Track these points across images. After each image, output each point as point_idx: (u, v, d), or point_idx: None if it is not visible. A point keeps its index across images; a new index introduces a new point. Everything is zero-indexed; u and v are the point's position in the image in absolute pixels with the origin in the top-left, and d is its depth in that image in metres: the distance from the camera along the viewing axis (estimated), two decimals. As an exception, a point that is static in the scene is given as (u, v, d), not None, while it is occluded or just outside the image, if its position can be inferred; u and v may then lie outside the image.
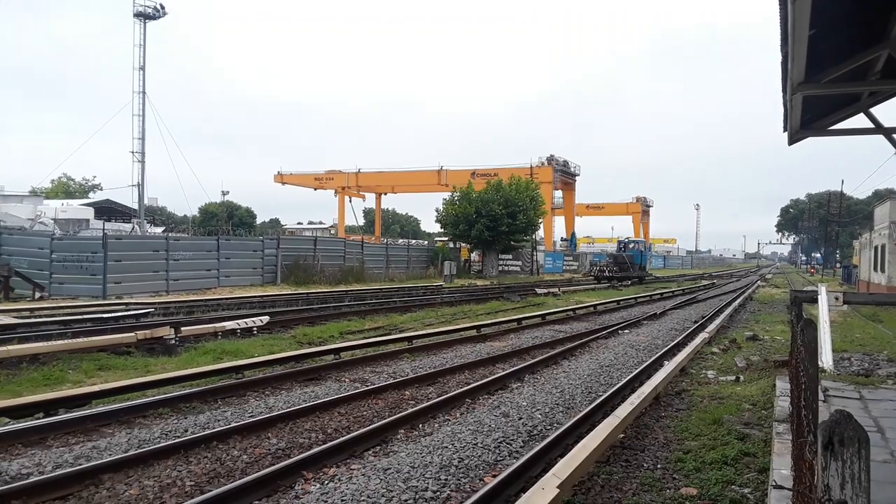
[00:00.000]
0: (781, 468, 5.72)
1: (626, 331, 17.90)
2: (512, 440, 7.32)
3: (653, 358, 12.69)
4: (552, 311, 22.00)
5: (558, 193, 71.69)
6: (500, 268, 53.41)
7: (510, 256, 54.96)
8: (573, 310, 22.73)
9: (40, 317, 17.18)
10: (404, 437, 7.42)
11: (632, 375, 10.69)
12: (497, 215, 45.66)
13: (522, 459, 6.20)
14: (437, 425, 7.92)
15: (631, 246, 50.87)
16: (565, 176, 70.53)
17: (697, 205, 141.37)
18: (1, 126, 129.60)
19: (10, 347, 11.18)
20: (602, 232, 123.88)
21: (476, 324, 17.51)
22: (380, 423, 7.52)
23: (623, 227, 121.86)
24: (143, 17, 42.87)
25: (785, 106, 9.42)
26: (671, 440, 7.54)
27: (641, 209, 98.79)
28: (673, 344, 14.76)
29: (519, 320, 18.81)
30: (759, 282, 52.22)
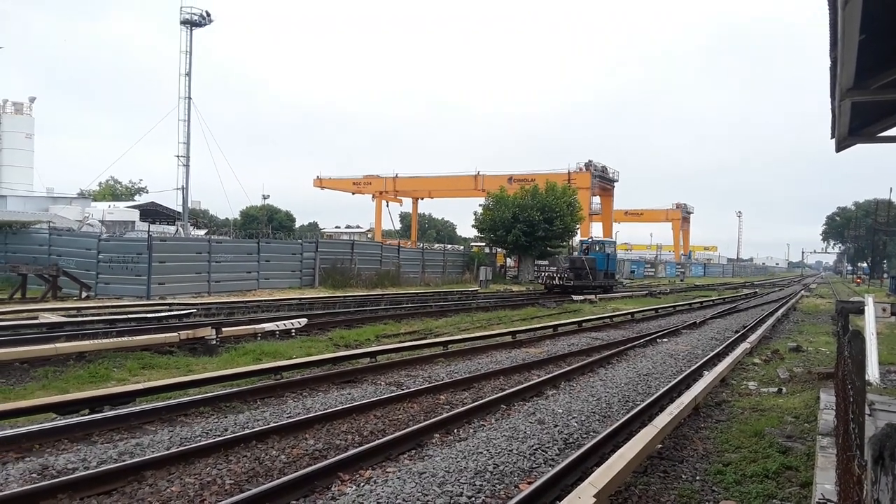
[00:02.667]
0: (825, 483, 5.58)
1: (665, 339, 17.63)
2: (547, 447, 7.28)
3: (692, 367, 12.49)
4: (588, 318, 21.80)
5: (596, 199, 71.01)
6: (537, 273, 53.02)
7: (547, 262, 54.59)
8: (610, 317, 22.48)
9: (87, 316, 17.68)
10: (439, 441, 7.43)
11: (670, 385, 10.53)
12: (534, 220, 45.44)
13: (558, 467, 6.16)
14: (472, 430, 7.92)
15: (597, 248, 41.08)
16: (603, 182, 69.88)
17: (739, 212, 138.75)
18: (53, 129, 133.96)
19: (57, 345, 11.53)
20: (641, 239, 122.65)
21: (511, 329, 17.45)
22: (415, 427, 7.56)
23: (663, 235, 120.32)
24: (190, 24, 43.85)
25: (833, 112, 9.20)
26: (711, 452, 7.41)
27: (681, 216, 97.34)
28: (713, 354, 14.49)
29: (554, 327, 18.69)
30: (802, 292, 50.90)
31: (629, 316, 23.64)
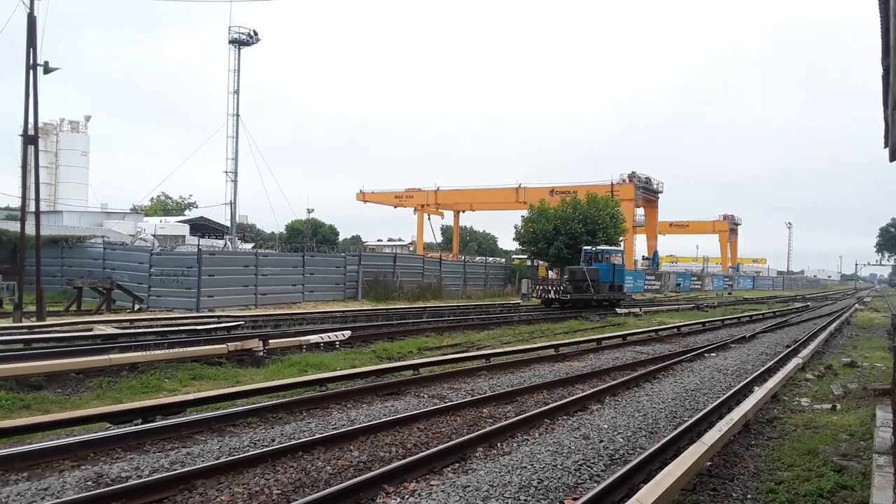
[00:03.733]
0: (883, 502, 5.38)
1: (713, 354, 17.25)
2: (593, 463, 7.20)
3: (742, 383, 12.19)
4: (633, 331, 21.48)
5: (640, 211, 70.07)
6: (579, 286, 52.48)
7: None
8: (655, 331, 22.11)
9: (139, 328, 18.21)
10: (483, 455, 7.42)
11: (719, 401, 10.30)
12: (576, 233, 45.04)
13: (604, 483, 6.09)
14: (515, 444, 7.88)
15: (601, 257, 36.06)
16: (647, 193, 68.95)
17: (789, 223, 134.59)
18: (107, 146, 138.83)
19: (111, 356, 11.91)
20: (687, 251, 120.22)
21: (554, 343, 17.31)
22: (459, 440, 7.56)
23: (709, 246, 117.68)
24: (238, 43, 45.08)
25: (886, 121, 8.95)
26: (762, 470, 7.22)
27: (728, 227, 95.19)
28: (763, 369, 14.11)
29: (598, 340, 18.47)
30: (856, 305, 49.18)
31: (675, 330, 23.20)
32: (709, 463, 7.20)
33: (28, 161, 21.81)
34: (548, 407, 9.60)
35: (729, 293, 71.70)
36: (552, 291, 33.24)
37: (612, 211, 48.08)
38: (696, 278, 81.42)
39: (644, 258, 75.34)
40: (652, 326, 23.72)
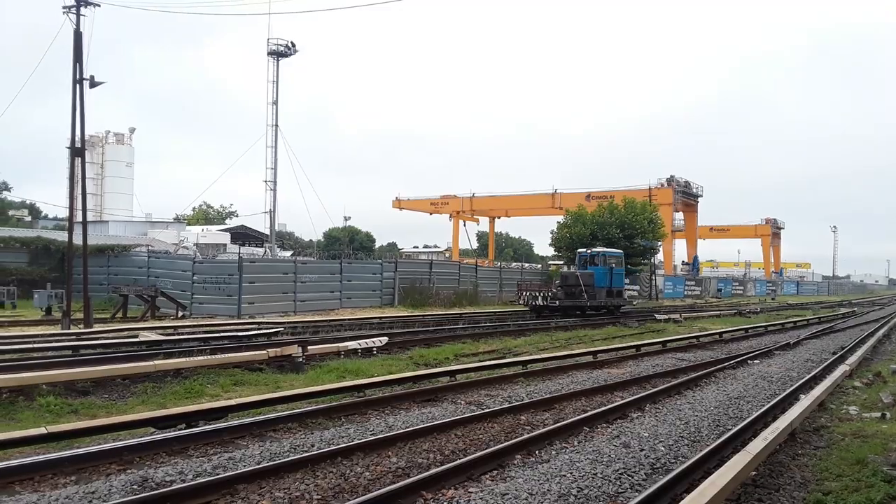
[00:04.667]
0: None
1: (756, 361, 16.86)
2: (633, 472, 7.09)
3: (787, 391, 11.89)
4: (673, 338, 21.13)
5: (679, 215, 69.05)
6: (617, 292, 51.88)
7: (627, 281, 53.35)
8: (696, 337, 21.72)
9: (182, 334, 18.58)
10: (521, 462, 7.37)
11: (764, 409, 10.06)
12: (613, 238, 44.57)
13: (646, 493, 5.99)
14: (554, 452, 7.82)
15: (598, 260, 32.89)
16: (686, 197, 67.93)
17: (834, 227, 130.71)
18: (151, 157, 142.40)
19: (156, 362, 12.20)
20: (728, 255, 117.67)
21: (592, 349, 17.14)
22: (496, 448, 7.54)
23: (751, 251, 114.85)
24: (276, 55, 45.86)
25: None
26: (809, 480, 7.03)
27: (771, 231, 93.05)
28: (809, 376, 13.75)
29: (637, 347, 18.22)
30: (908, 310, 47.56)
31: (717, 336, 22.75)
32: (753, 472, 7.04)
33: (75, 173, 22.50)
34: (587, 414, 9.51)
35: (772, 298, 70.04)
36: (540, 297, 30.09)
37: (650, 215, 47.49)
38: (737, 283, 79.80)
39: (684, 263, 74.21)
40: (693, 333, 23.29)
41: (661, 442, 8.37)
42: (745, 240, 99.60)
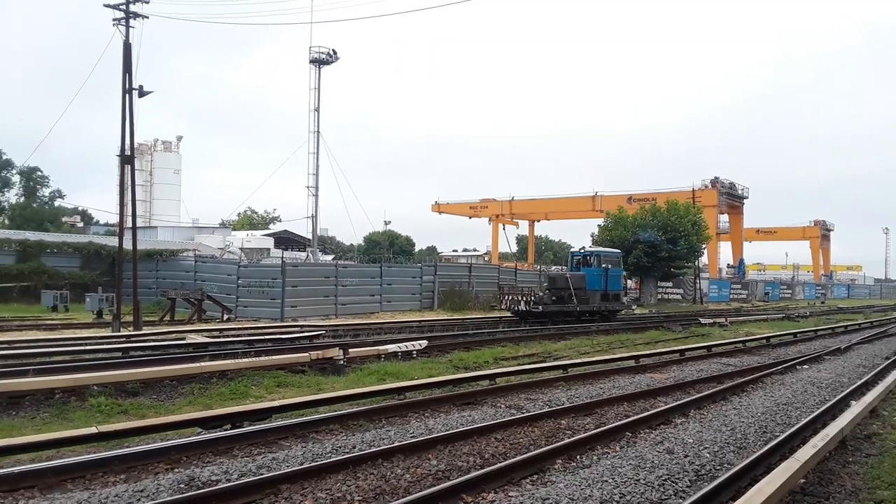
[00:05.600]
0: None
1: (805, 366, 16.40)
2: (677, 478, 6.97)
3: (837, 397, 11.53)
4: (718, 342, 20.71)
5: (724, 218, 67.64)
6: (660, 296, 51.21)
7: (670, 284, 52.53)
8: (743, 342, 21.23)
9: (228, 337, 18.99)
10: (562, 467, 7.32)
11: (813, 415, 9.78)
12: (656, 241, 43.95)
13: (690, 500, 5.89)
14: (595, 457, 7.73)
15: (592, 260, 30.17)
16: (731, 199, 66.50)
17: (886, 228, 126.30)
18: (198, 164, 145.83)
19: (202, 364, 12.48)
20: (775, 258, 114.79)
21: (634, 354, 16.91)
22: (537, 452, 7.49)
23: (799, 254, 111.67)
24: (318, 62, 46.61)
25: None
26: (860, 488, 6.81)
27: (820, 233, 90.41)
28: (861, 382, 13.31)
29: (681, 351, 17.90)
30: (968, 315, 45.64)
31: (764, 340, 22.20)
32: (802, 480, 6.85)
33: (125, 180, 23.21)
34: (629, 419, 9.38)
35: (822, 302, 68.08)
36: (523, 302, 27.22)
37: (693, 218, 46.69)
38: (785, 287, 77.78)
39: (729, 266, 72.68)
40: (739, 337, 22.78)
41: (706, 448, 8.21)
42: (793, 242, 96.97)
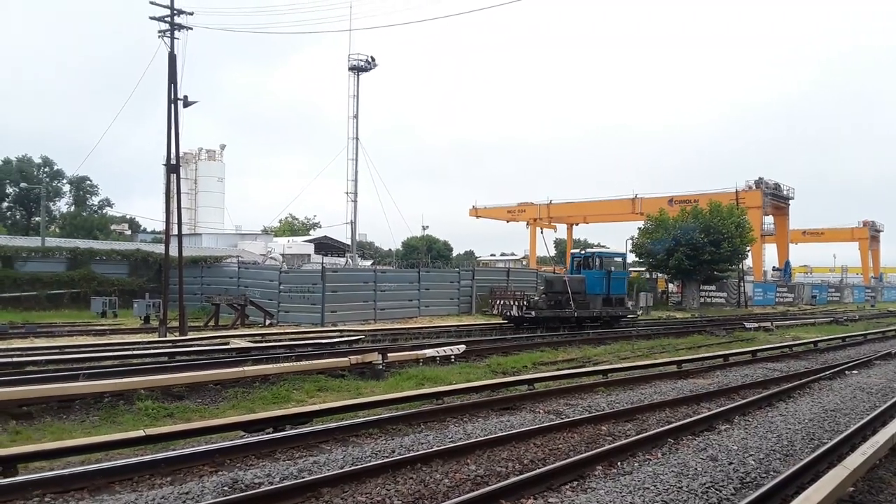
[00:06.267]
0: None
1: (855, 371, 15.91)
2: (721, 486, 6.84)
3: (888, 403, 11.17)
4: (764, 347, 20.23)
5: (769, 219, 66.03)
6: (702, 299, 50.25)
7: (713, 287, 51.49)
8: (789, 346, 20.70)
9: (270, 341, 19.30)
10: (602, 473, 7.25)
11: (863, 422, 9.50)
12: (698, 243, 43.14)
13: (733, 507, 5.77)
14: (636, 464, 7.64)
15: (594, 262, 28.61)
16: (776, 200, 64.87)
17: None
18: (240, 171, 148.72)
19: (245, 368, 12.71)
20: (822, 260, 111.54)
21: (676, 359, 16.64)
22: (577, 458, 7.44)
23: (848, 255, 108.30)
24: (357, 70, 47.12)
25: None
26: (915, 499, 6.57)
27: (869, 234, 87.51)
28: (915, 388, 12.86)
29: (725, 356, 17.54)
30: None
31: (812, 345, 21.61)
32: (851, 489, 6.65)
33: (170, 188, 23.80)
34: (671, 426, 9.24)
35: (871, 305, 65.93)
36: (515, 307, 25.53)
37: (737, 219, 45.71)
38: (833, 290, 75.51)
39: (774, 269, 70.93)
40: (785, 342, 22.22)
41: (751, 455, 8.04)
42: (842, 243, 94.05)
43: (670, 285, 52.22)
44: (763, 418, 10.35)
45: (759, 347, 19.94)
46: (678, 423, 9.38)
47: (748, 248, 49.97)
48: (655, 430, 8.95)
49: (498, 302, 26.73)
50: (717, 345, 22.06)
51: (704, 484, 6.85)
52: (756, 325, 29.52)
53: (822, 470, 6.96)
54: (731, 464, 7.64)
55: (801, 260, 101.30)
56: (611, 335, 23.88)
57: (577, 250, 29.62)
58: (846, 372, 15.71)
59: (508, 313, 25.85)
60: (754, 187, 61.20)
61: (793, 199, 68.02)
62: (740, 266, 51.59)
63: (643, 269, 50.31)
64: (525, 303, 25.44)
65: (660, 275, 50.30)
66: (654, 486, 6.74)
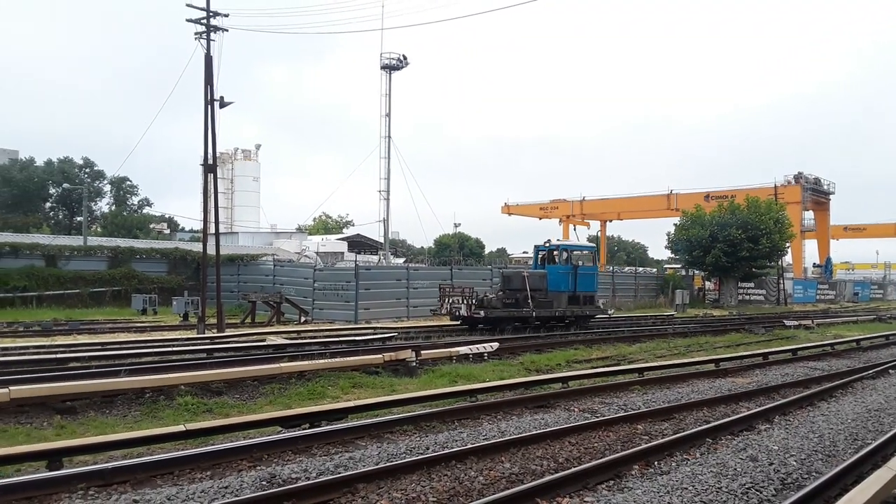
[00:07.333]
0: None
1: (901, 371, 15.46)
2: (762, 487, 6.71)
3: (937, 404, 10.83)
4: (805, 345, 19.79)
5: (809, 214, 64.54)
6: (740, 297, 49.36)
7: (751, 284, 50.55)
8: (831, 345, 20.22)
9: (305, 338, 19.52)
10: (639, 473, 7.16)
11: (910, 423, 9.22)
12: (736, 240, 42.37)
13: (774, 508, 5.66)
14: (674, 464, 7.54)
15: (558, 255, 25.84)
16: (816, 195, 63.36)
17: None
18: (276, 171, 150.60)
19: (281, 365, 12.88)
20: (865, 257, 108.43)
21: (714, 357, 16.38)
22: (613, 457, 7.37)
23: (891, 252, 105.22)
24: (389, 68, 47.36)
25: None
26: (966, 504, 6.36)
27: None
28: (965, 389, 12.44)
29: (765, 355, 17.20)
30: None
31: (854, 343, 21.08)
32: (898, 492, 6.47)
33: (208, 188, 24.21)
34: (709, 425, 9.09)
35: (919, 303, 63.94)
36: (463, 307, 22.60)
37: (776, 215, 44.80)
38: (876, 287, 73.62)
39: (815, 265, 69.34)
40: (826, 340, 21.70)
41: (792, 456, 7.87)
42: (885, 239, 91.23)
43: (707, 283, 51.40)
44: (804, 418, 10.12)
45: (800, 346, 19.52)
46: (717, 423, 9.23)
47: (787, 245, 49.02)
48: (693, 430, 8.82)
49: (446, 300, 23.21)
50: (755, 343, 21.66)
51: (744, 484, 6.73)
52: (796, 322, 28.90)
53: (866, 471, 6.79)
54: (771, 464, 7.49)
55: (842, 256, 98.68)
56: (646, 333, 23.60)
57: (543, 244, 26.36)
58: (890, 371, 15.27)
59: (458, 313, 22.93)
60: (793, 182, 59.91)
61: (833, 193, 66.44)
62: (779, 263, 50.55)
63: (679, 265, 49.59)
64: (473, 301, 22.68)
65: (696, 272, 49.56)
66: (693, 486, 6.64)
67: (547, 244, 26.11)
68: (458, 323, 23.45)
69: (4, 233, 40.36)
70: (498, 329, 22.35)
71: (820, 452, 8.10)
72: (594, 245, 30.86)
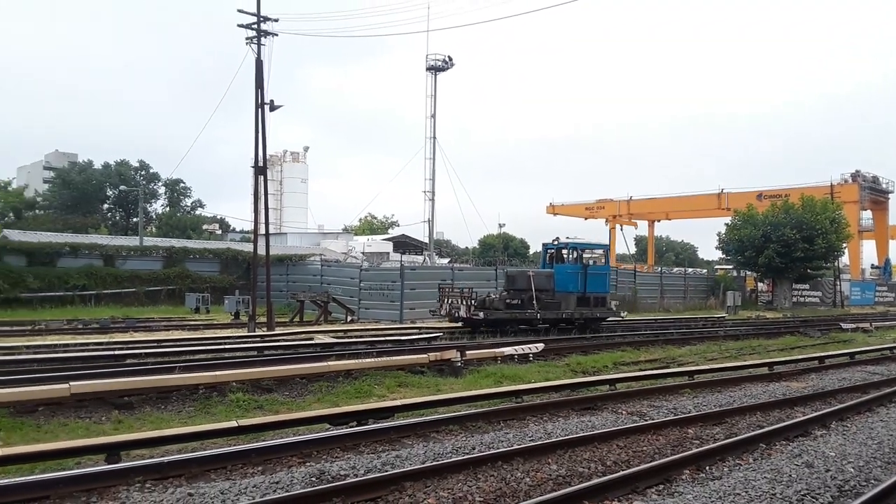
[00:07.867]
0: None
1: (968, 377, 14.78)
2: (818, 494, 6.52)
3: None
4: (863, 349, 19.10)
5: (866, 214, 62.23)
6: (795, 299, 47.91)
7: (806, 286, 49.03)
8: (890, 349, 19.46)
9: (351, 337, 19.77)
10: (689, 478, 7.04)
11: (978, 432, 8.82)
12: (790, 240, 41.14)
13: (832, 517, 5.50)
14: (726, 469, 7.37)
15: (567, 254, 24.31)
16: (875, 194, 61.02)
17: None
18: (323, 172, 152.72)
19: (329, 363, 13.07)
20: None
21: (767, 360, 15.95)
22: (663, 461, 7.26)
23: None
24: (434, 70, 47.57)
25: None
26: None
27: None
28: None
29: (821, 358, 16.67)
30: None
31: (917, 348, 20.24)
32: (966, 504, 6.20)
33: (258, 190, 24.73)
34: (763, 430, 8.87)
35: None
36: (463, 308, 21.62)
37: (832, 215, 43.33)
38: (942, 289, 70.27)
39: (873, 267, 66.83)
40: (885, 343, 20.90)
41: (849, 462, 7.62)
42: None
43: (760, 284, 50.07)
44: (862, 424, 9.79)
45: (858, 349, 18.84)
46: (771, 428, 9.00)
47: (844, 245, 47.39)
48: (746, 435, 8.62)
49: (445, 301, 22.43)
50: (811, 346, 21.01)
51: (799, 491, 6.55)
52: (854, 325, 27.92)
53: (932, 481, 6.52)
54: (828, 471, 7.27)
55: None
56: (696, 335, 23.14)
57: (551, 241, 24.70)
58: (957, 377, 14.62)
59: (457, 314, 21.96)
60: (850, 180, 57.87)
61: (893, 192, 63.88)
62: (836, 264, 48.91)
63: (730, 266, 48.44)
64: (473, 302, 21.65)
65: (749, 273, 48.33)
66: (746, 492, 6.49)
67: (555, 242, 24.56)
68: (460, 325, 22.52)
69: (64, 233, 41.97)
70: (499, 331, 21.47)
71: (879, 459, 7.82)
72: (606, 243, 30.01)
